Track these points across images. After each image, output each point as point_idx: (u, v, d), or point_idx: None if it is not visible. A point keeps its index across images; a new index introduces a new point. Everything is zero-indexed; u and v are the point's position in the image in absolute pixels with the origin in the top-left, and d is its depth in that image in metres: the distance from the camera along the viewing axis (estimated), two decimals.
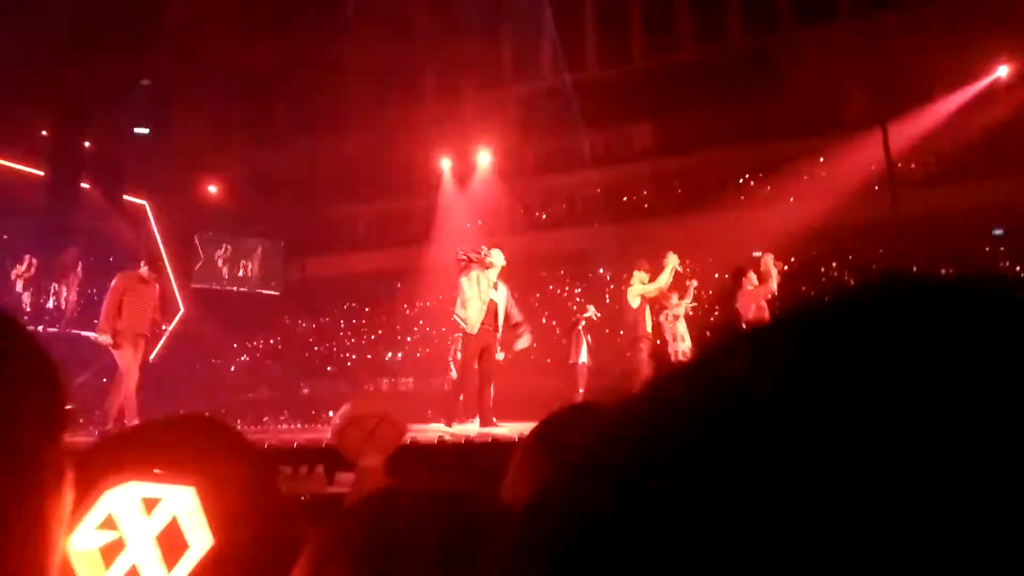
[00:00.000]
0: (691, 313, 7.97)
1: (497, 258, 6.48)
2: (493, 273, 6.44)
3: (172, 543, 0.68)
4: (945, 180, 13.29)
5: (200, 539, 0.68)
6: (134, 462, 0.69)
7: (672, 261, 6.97)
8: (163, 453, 0.70)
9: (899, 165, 12.80)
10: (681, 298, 7.53)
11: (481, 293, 6.35)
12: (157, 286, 6.98)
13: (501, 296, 6.47)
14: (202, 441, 0.74)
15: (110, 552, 0.67)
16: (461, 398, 6.94)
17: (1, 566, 0.40)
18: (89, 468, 0.68)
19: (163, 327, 6.90)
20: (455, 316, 6.56)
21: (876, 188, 13.20)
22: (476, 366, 6.53)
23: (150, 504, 0.68)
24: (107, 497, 0.67)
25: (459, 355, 10.35)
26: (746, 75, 16.13)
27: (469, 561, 0.45)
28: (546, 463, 0.91)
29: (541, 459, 0.92)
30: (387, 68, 19.08)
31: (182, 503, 0.67)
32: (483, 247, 6.63)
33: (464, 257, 6.47)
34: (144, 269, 6.86)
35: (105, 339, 6.53)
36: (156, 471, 0.69)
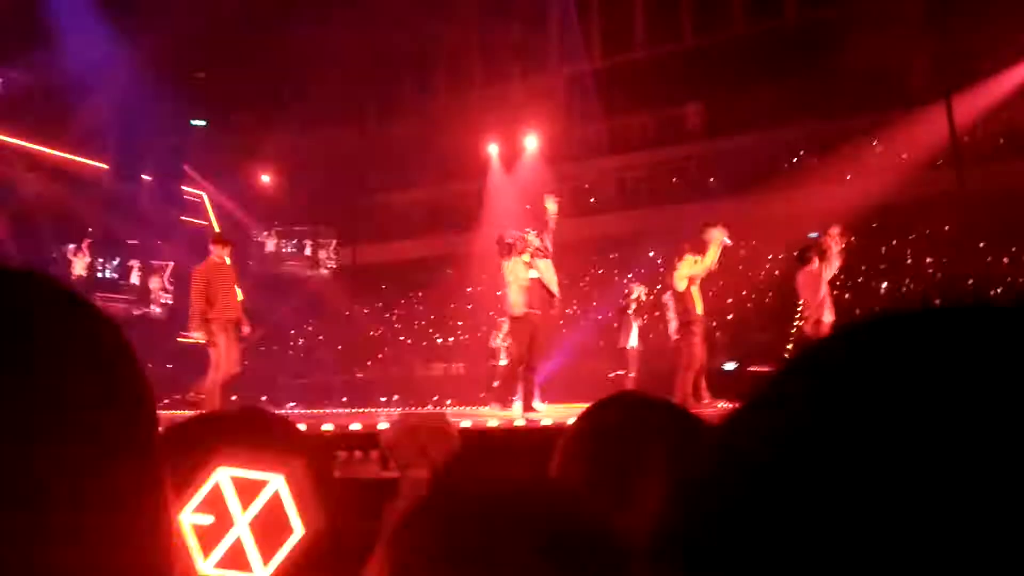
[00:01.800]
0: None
1: (531, 240, 6.45)
2: (527, 255, 6.40)
3: (269, 527, 0.71)
4: (1014, 154, 12.69)
5: (294, 526, 0.71)
6: (236, 446, 0.72)
7: (717, 236, 6.71)
8: (256, 441, 0.73)
9: (965, 139, 12.29)
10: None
11: (520, 278, 6.32)
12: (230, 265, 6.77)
13: (545, 270, 6.44)
14: (279, 433, 0.77)
15: (216, 529, 0.70)
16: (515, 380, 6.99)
17: (134, 553, 0.41)
18: (196, 447, 0.71)
19: (244, 330, 6.67)
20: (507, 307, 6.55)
21: (940, 163, 12.72)
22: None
23: (251, 486, 0.70)
24: (214, 476, 0.70)
25: (497, 341, 10.44)
26: (800, 50, 15.63)
27: (566, 554, 0.45)
28: (593, 452, 0.91)
29: (588, 447, 0.93)
30: (434, 54, 19.12)
31: (280, 488, 0.70)
32: (527, 230, 6.59)
33: (510, 241, 6.45)
34: (218, 252, 6.65)
35: (198, 336, 6.36)
36: (258, 455, 0.72)
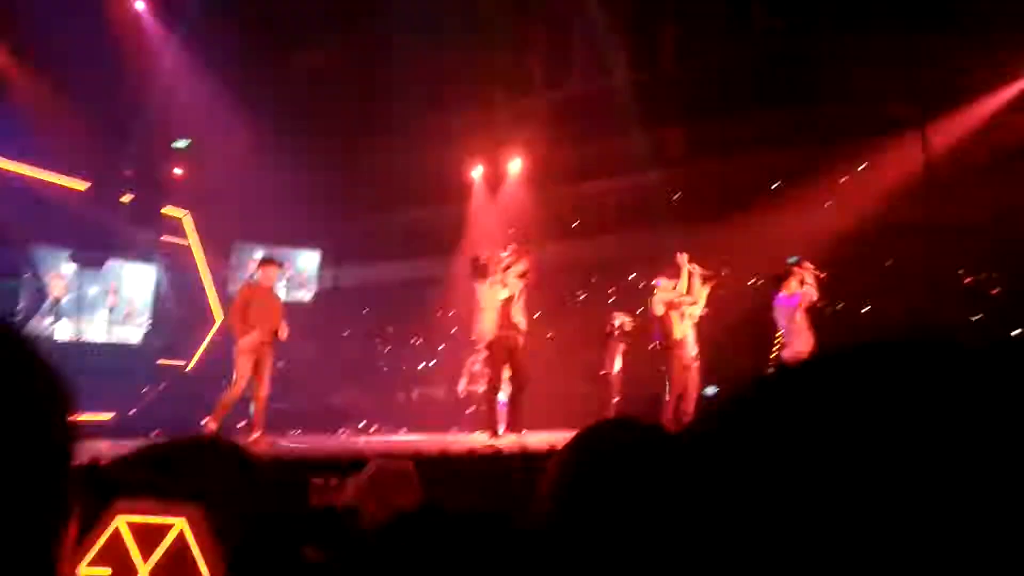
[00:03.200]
0: (695, 320, 7.58)
1: (504, 258, 6.44)
2: (509, 275, 6.39)
3: (175, 570, 0.67)
4: (991, 180, 12.92)
5: (202, 571, 0.68)
6: (140, 489, 0.69)
7: (684, 264, 6.84)
8: (168, 480, 0.70)
9: (940, 167, 12.49)
10: (693, 304, 7.23)
11: (493, 300, 6.30)
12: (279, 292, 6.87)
13: (515, 291, 6.42)
14: (205, 466, 0.74)
15: None
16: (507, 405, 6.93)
17: None
18: (97, 494, 0.68)
19: (282, 333, 6.67)
20: (474, 333, 6.53)
21: (917, 191, 12.91)
22: (506, 373, 6.48)
23: (153, 532, 0.67)
24: (113, 524, 0.67)
25: (476, 367, 10.40)
26: (780, 78, 15.89)
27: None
28: (581, 478, 0.91)
29: (577, 473, 0.92)
30: (419, 77, 19.22)
31: (184, 532, 0.67)
32: (507, 249, 6.57)
33: (483, 263, 6.43)
34: (265, 273, 6.70)
35: (248, 339, 6.35)
36: (160, 500, 0.68)
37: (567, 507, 0.85)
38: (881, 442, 0.25)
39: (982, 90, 13.26)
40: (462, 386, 10.81)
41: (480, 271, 6.43)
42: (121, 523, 0.68)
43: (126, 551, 0.67)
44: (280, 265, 7.00)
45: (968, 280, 11.76)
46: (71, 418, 0.44)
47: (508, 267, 6.37)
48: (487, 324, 6.25)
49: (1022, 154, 12.92)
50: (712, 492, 0.27)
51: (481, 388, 10.61)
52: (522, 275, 6.39)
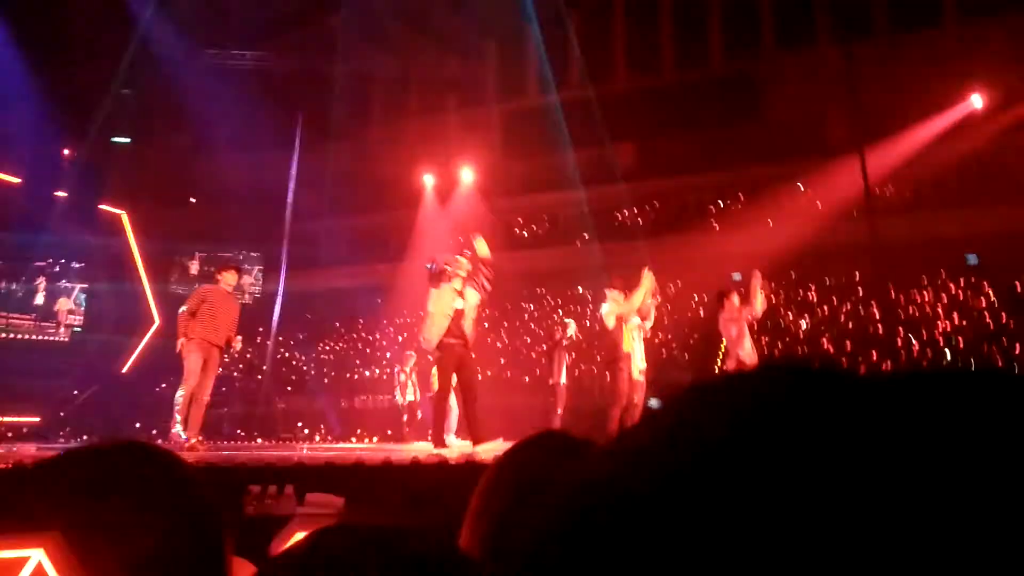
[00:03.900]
0: (648, 335, 7.47)
1: (464, 264, 6.37)
2: (459, 282, 6.28)
3: None
4: (921, 206, 13.46)
5: None
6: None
7: (648, 279, 6.86)
8: (12, 508, 0.62)
9: (877, 191, 12.96)
10: (644, 319, 7.22)
11: (445, 306, 6.17)
12: (238, 300, 6.83)
13: (470, 303, 6.31)
14: (134, 473, 0.68)
15: None
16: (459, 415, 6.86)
17: None
18: None
19: (235, 345, 6.68)
20: (420, 336, 6.45)
21: (854, 213, 13.35)
22: (454, 383, 6.37)
23: (6, 568, 0.59)
24: None
25: (401, 376, 10.36)
26: (727, 99, 16.29)
27: None
28: (509, 492, 0.89)
29: (506, 488, 0.90)
30: (371, 84, 19.07)
31: (41, 565, 0.59)
32: (460, 256, 6.49)
33: (440, 268, 6.31)
34: (224, 279, 6.66)
35: (179, 343, 6.38)
36: (14, 529, 0.60)
37: (493, 526, 0.83)
38: (795, 462, 0.26)
39: (920, 117, 13.83)
40: (398, 396, 10.76)
41: (435, 275, 6.31)
42: None
43: None
44: (239, 270, 6.92)
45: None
46: None
47: (466, 276, 6.28)
48: (435, 330, 6.12)
49: (957, 179, 13.51)
50: (633, 505, 0.27)
51: (410, 398, 10.58)
52: (476, 278, 6.30)
